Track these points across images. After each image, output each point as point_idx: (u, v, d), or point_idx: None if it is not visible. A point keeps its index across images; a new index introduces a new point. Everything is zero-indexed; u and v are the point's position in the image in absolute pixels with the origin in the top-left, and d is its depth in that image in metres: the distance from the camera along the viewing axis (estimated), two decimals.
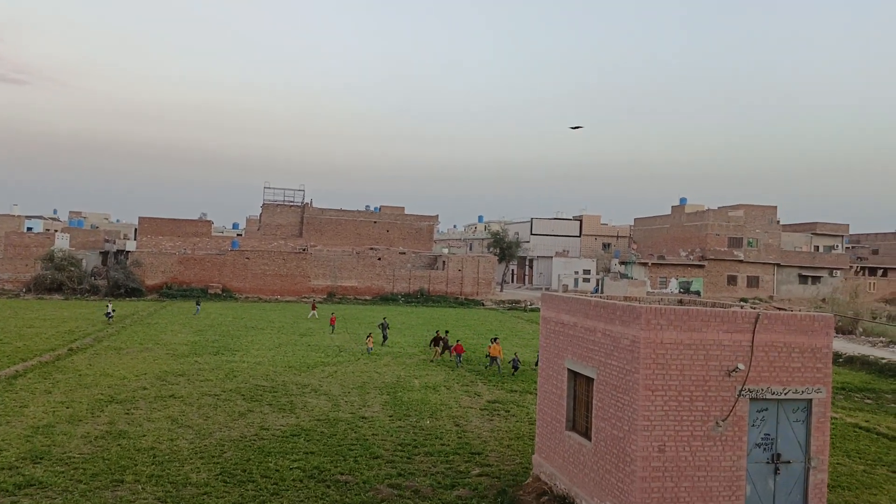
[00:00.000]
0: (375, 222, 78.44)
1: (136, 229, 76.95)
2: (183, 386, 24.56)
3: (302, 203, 78.35)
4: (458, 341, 33.22)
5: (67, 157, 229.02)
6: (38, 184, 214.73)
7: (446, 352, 33.04)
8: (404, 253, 70.29)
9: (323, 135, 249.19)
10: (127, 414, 20.33)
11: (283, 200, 78.28)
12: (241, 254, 65.42)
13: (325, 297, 64.92)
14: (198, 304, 51.58)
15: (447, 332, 36.23)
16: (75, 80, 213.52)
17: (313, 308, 51.46)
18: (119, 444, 17.24)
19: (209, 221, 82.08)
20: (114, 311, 44.20)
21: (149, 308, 52.59)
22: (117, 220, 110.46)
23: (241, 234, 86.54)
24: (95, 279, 62.60)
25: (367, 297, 66.05)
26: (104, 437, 17.89)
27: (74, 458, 16.11)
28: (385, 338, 37.29)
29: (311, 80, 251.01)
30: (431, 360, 32.38)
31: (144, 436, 18.09)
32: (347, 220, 77.44)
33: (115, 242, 74.62)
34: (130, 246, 68.59)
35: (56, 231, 75.18)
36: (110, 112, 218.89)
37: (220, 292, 63.06)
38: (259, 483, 14.92)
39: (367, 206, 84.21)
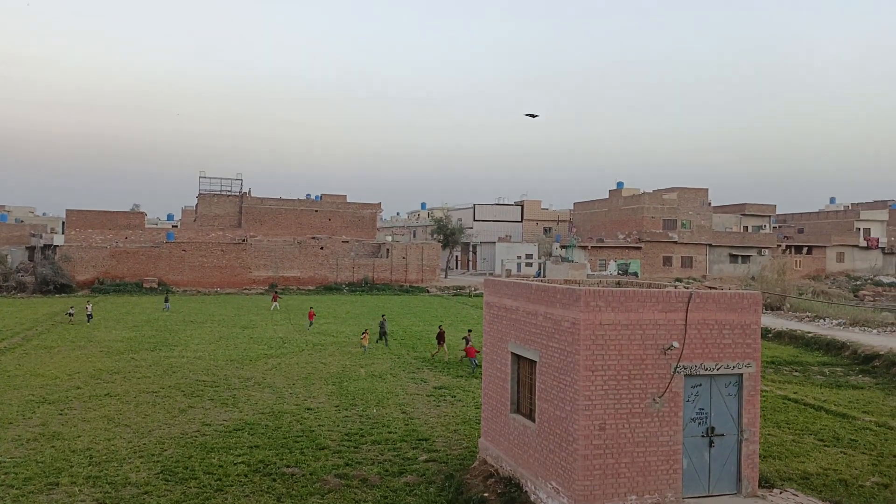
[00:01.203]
0: (317, 211, 77.43)
1: (63, 223, 73.79)
2: (119, 384, 23.79)
3: (240, 192, 76.61)
4: (468, 343, 28.60)
5: None
6: None
7: (441, 349, 29.68)
8: (347, 241, 69.70)
9: (260, 122, 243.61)
10: (60, 414, 19.57)
11: (220, 190, 76.37)
12: (177, 246, 63.55)
13: (266, 288, 63.81)
14: (166, 300, 49.68)
15: (470, 332, 30.84)
16: None
17: (274, 299, 50.14)
18: (53, 446, 16.60)
19: (142, 213, 79.44)
20: (73, 311, 41.26)
21: (80, 304, 50.58)
22: (43, 214, 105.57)
23: (176, 226, 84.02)
24: (22, 276, 59.76)
25: (311, 287, 65.26)
26: (37, 439, 17.19)
27: (5, 462, 15.43)
28: (383, 335, 33.70)
29: (246, 65, 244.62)
30: (432, 356, 29.77)
31: (80, 436, 17.47)
32: (288, 210, 76.18)
33: (41, 237, 71.32)
34: (58, 240, 65.65)
35: None
36: (31, 100, 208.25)
37: (157, 286, 61.19)
38: (202, 480, 14.63)
39: (308, 195, 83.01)
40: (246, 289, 63.48)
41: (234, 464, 15.64)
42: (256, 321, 41.81)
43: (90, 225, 67.05)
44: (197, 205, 76.48)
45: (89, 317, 40.30)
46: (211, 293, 61.30)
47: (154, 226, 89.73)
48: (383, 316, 36.61)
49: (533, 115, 42.17)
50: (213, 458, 16.01)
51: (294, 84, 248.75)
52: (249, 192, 77.10)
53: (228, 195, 76.14)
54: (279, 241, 67.99)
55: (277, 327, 39.22)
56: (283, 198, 77.24)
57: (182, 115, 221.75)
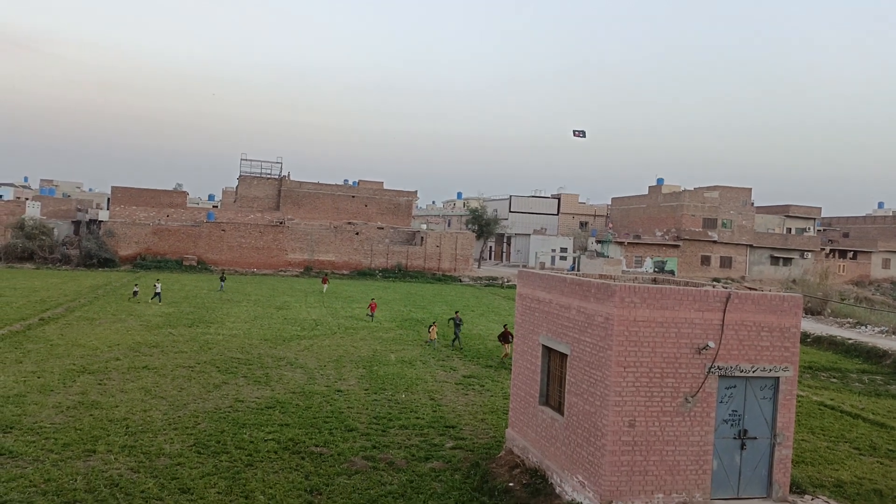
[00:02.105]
0: (354, 196, 77.94)
1: (108, 199, 75.63)
2: (157, 357, 24.39)
3: (279, 176, 77.53)
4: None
5: (39, 124, 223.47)
6: (9, 151, 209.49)
7: (506, 348, 26.60)
8: (382, 228, 70.06)
9: (301, 108, 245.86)
10: (99, 384, 20.16)
11: (260, 173, 77.37)
12: (216, 226, 64.69)
13: (301, 270, 64.59)
14: (222, 279, 48.59)
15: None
16: (47, 46, 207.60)
17: (325, 282, 51.15)
18: (91, 415, 17.12)
19: (184, 192, 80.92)
20: (137, 289, 41.38)
21: (122, 279, 51.94)
22: (90, 189, 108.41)
23: (216, 206, 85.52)
24: (67, 249, 61.54)
25: (345, 272, 65.87)
26: (76, 407, 17.75)
27: (45, 427, 15.98)
28: (456, 336, 30.08)
29: (289, 53, 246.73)
30: (501, 361, 26.49)
31: (117, 406, 17.98)
32: (325, 194, 76.82)
33: (87, 212, 73.31)
34: (103, 216, 67.43)
35: (27, 199, 73.66)
36: (83, 79, 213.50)
37: (196, 264, 62.42)
38: (233, 454, 14.94)
39: (346, 181, 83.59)
40: (282, 270, 64.35)
41: (265, 440, 15.93)
42: (290, 302, 42.39)
43: (134, 202, 68.65)
44: (237, 186, 77.62)
45: (158, 295, 39.28)
46: (248, 273, 62.33)
47: (195, 205, 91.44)
48: (457, 313, 31.98)
49: (580, 134, 41.16)
50: (245, 433, 16.33)
51: (336, 74, 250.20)
52: (289, 175, 77.98)
53: (268, 178, 77.10)
54: (315, 225, 68.68)
55: (311, 309, 39.72)
56: (320, 182, 77.91)
57: (220, 97, 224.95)
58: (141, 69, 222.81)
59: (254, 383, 21.43)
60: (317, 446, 15.81)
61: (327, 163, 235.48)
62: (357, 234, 67.60)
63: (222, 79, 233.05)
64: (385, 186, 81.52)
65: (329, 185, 78.36)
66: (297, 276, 62.74)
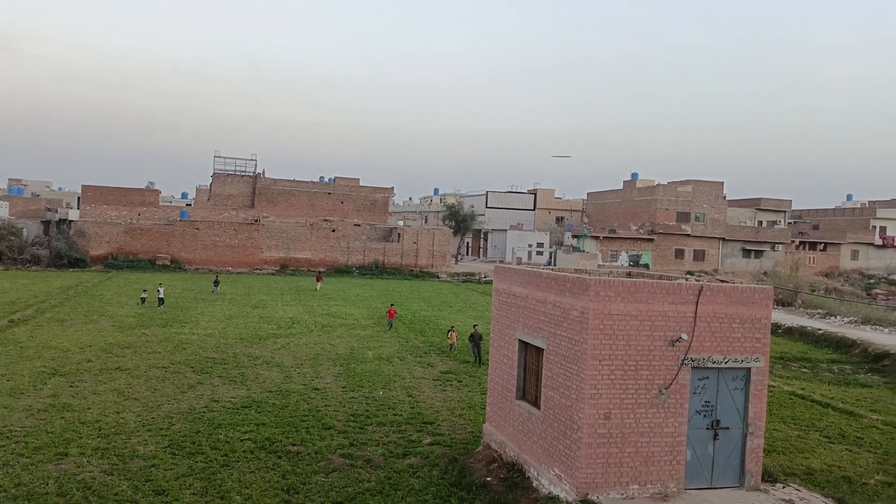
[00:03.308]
0: (330, 193, 77.46)
1: (79, 198, 74.31)
2: (130, 358, 24.05)
3: (254, 173, 76.77)
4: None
5: (6, 122, 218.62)
6: None
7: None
8: (359, 225, 69.77)
9: (275, 104, 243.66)
10: (71, 386, 19.83)
11: (235, 170, 76.54)
12: (190, 224, 63.86)
13: (277, 268, 64.10)
14: (216, 283, 46.38)
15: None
16: (14, 43, 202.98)
17: (319, 279, 51.30)
18: (63, 417, 16.84)
19: (157, 190, 79.79)
20: (145, 294, 38.56)
21: (93, 279, 51.09)
22: (60, 188, 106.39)
23: (190, 205, 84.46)
24: (37, 249, 60.30)
25: (322, 269, 65.46)
26: (47, 409, 17.45)
27: (16, 431, 15.69)
28: (477, 357, 25.54)
29: (262, 48, 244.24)
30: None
31: (89, 408, 17.70)
32: (301, 191, 76.25)
33: (57, 211, 71.91)
34: (73, 215, 66.19)
35: None
36: (52, 77, 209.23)
37: (169, 263, 61.60)
38: (209, 455, 14.80)
39: (322, 178, 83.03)
40: (257, 269, 63.80)
41: (241, 440, 15.80)
42: (267, 301, 42.05)
43: (105, 201, 67.50)
44: (211, 184, 76.71)
45: (161, 300, 37.50)
46: (223, 272, 61.68)
47: (168, 203, 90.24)
48: (475, 326, 27.39)
49: (562, 156, 40.99)
50: (221, 434, 16.18)
51: (310, 70, 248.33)
52: (263, 172, 77.25)
53: (242, 175, 76.33)
54: (291, 223, 68.16)
55: (288, 308, 39.45)
56: (296, 179, 77.31)
57: (194, 93, 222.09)
58: (111, 65, 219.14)
59: (229, 383, 21.23)
60: (294, 445, 15.73)
61: (303, 160, 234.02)
62: (333, 231, 67.23)
63: (195, 74, 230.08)
64: (361, 183, 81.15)
65: (305, 182, 77.78)
66: (272, 274, 62.27)
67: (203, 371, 22.58)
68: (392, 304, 36.02)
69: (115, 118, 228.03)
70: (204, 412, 17.92)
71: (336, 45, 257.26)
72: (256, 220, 67.06)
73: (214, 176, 75.67)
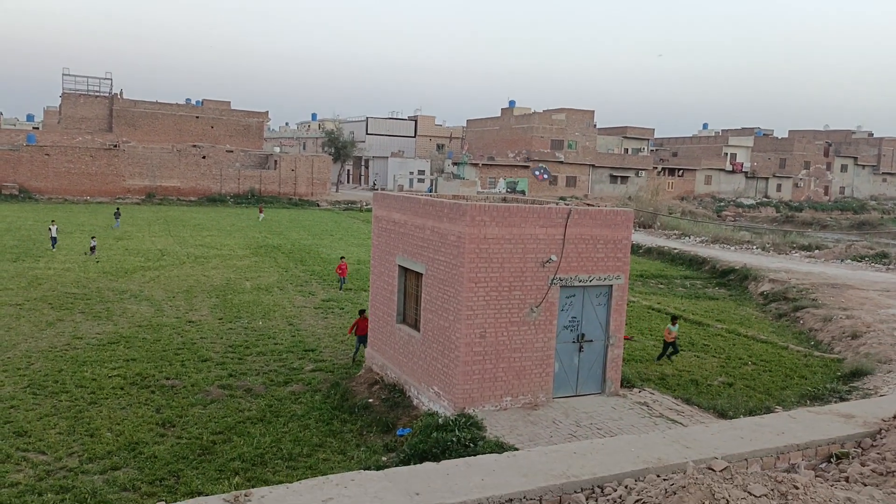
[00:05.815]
0: (198, 117, 72.85)
1: None
2: None
3: (110, 93, 70.50)
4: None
5: None
6: None
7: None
8: (232, 151, 66.45)
9: (132, 20, 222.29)
10: None
11: (87, 90, 69.90)
12: (39, 149, 58.08)
13: (143, 198, 60.19)
14: (117, 215, 42.18)
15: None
16: None
17: (261, 211, 51.51)
18: None
19: None
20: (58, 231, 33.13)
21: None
22: None
23: (37, 128, 76.53)
24: None
25: (193, 199, 62.22)
26: None
27: None
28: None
29: None
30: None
31: None
32: (165, 115, 71.13)
33: None
34: None
35: None
36: None
37: (17, 193, 56.10)
38: (73, 393, 14.10)
39: (189, 100, 77.75)
40: (120, 198, 59.56)
41: (109, 377, 15.14)
42: (132, 232, 39.58)
43: None
44: (61, 105, 69.73)
45: (54, 241, 32.35)
46: (80, 202, 57.09)
47: (12, 127, 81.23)
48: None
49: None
50: (86, 371, 15.40)
51: None
52: (121, 93, 71.11)
53: (97, 96, 69.90)
54: (156, 149, 63.69)
55: (156, 239, 37.37)
56: (159, 101, 71.87)
57: (36, 7, 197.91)
58: None
59: (93, 319, 20.07)
60: (168, 379, 15.29)
61: (166, 81, 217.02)
62: (204, 157, 63.64)
63: None
64: (233, 107, 76.85)
65: (169, 104, 72.54)
66: (137, 203, 58.43)
67: (63, 307, 21.15)
68: (343, 258, 27.81)
69: None
70: (66, 350, 16.92)
71: None
72: (115, 146, 62.08)
73: (64, 96, 68.82)
